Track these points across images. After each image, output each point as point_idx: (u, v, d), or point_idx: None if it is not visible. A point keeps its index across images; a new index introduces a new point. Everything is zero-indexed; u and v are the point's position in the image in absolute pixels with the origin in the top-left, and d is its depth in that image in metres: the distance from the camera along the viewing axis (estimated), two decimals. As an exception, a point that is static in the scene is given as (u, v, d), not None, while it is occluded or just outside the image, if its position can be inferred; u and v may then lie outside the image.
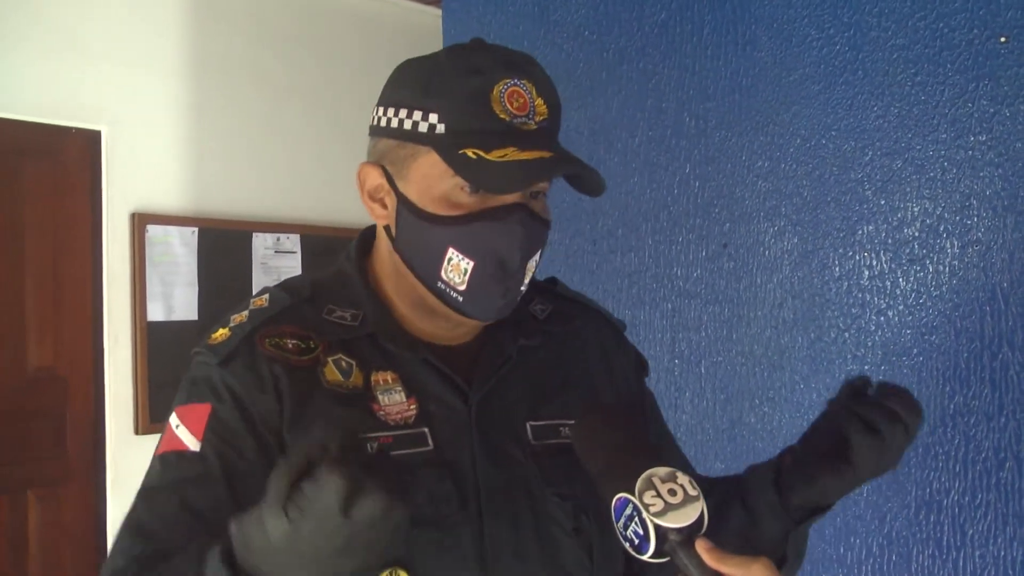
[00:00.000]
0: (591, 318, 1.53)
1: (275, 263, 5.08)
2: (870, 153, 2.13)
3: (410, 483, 1.23)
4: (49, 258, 4.40)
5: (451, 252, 1.25)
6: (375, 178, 1.33)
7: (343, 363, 1.30)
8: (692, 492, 1.07)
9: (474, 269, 1.25)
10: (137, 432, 4.54)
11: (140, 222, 4.60)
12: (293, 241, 5.17)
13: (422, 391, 1.31)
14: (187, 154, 4.83)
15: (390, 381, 1.30)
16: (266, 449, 1.23)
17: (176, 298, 4.73)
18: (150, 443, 4.35)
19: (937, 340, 2.01)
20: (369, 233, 1.44)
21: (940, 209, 2.02)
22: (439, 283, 1.28)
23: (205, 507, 1.20)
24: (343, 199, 5.26)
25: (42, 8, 4.32)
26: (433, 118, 1.26)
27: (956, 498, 1.97)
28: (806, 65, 2.23)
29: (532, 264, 1.31)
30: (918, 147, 2.06)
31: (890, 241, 2.09)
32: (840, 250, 2.17)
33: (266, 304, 1.34)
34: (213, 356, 1.28)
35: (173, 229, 4.73)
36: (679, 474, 1.08)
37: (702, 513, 1.06)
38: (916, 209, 2.06)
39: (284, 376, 1.26)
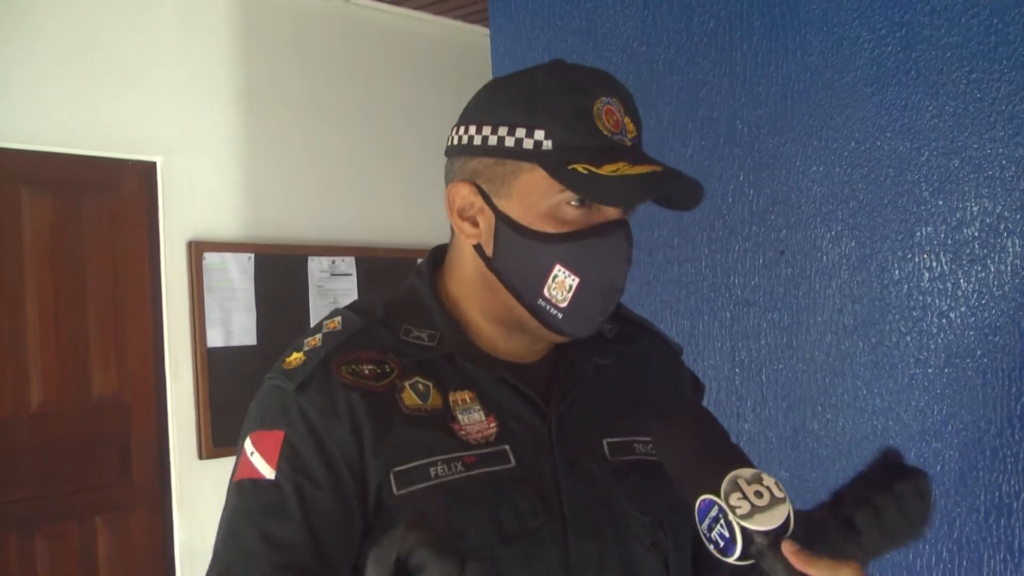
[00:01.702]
0: (653, 340, 1.54)
1: (331, 286, 5.12)
2: (926, 153, 2.11)
3: (497, 500, 1.24)
4: (110, 288, 4.47)
5: (557, 269, 1.26)
6: (467, 196, 1.32)
7: (420, 386, 1.30)
8: (778, 494, 1.06)
9: (579, 286, 1.26)
10: (201, 456, 4.58)
11: (197, 250, 4.66)
12: (348, 263, 5.20)
13: (500, 409, 1.31)
14: (240, 181, 4.89)
15: (468, 400, 1.31)
16: (338, 477, 1.23)
17: (234, 323, 4.78)
18: (214, 467, 4.43)
19: (1001, 341, 1.98)
20: (440, 252, 1.45)
21: (1000, 208, 2.00)
22: (540, 301, 1.28)
23: (283, 537, 1.21)
24: (396, 220, 5.30)
25: (95, 43, 4.39)
26: (539, 135, 1.26)
27: (1027, 501, 1.94)
28: (858, 67, 2.21)
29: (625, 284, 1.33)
30: (975, 146, 2.04)
31: (950, 242, 2.07)
32: (899, 253, 2.15)
33: (339, 327, 1.34)
34: (289, 382, 1.28)
35: (229, 256, 4.79)
36: (764, 475, 1.08)
37: (789, 515, 1.05)
38: (975, 208, 2.04)
39: (362, 403, 1.25)
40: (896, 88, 2.15)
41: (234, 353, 4.74)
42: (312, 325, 1.39)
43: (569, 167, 1.23)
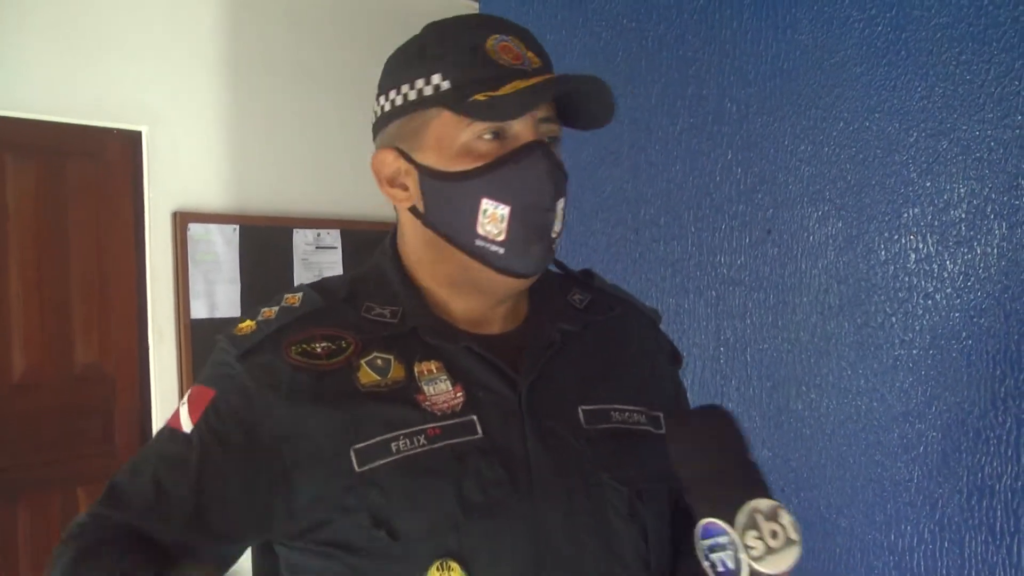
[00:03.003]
0: (628, 309, 1.53)
1: (316, 259, 5.10)
2: (915, 134, 2.10)
3: (461, 472, 1.22)
4: (93, 258, 4.44)
5: (485, 203, 1.25)
6: (390, 162, 1.34)
7: (379, 361, 1.28)
8: (793, 536, 1.04)
9: (511, 214, 1.25)
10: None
11: (182, 221, 4.63)
12: (334, 236, 5.18)
13: (468, 379, 1.29)
14: (227, 152, 4.86)
15: (435, 371, 1.29)
16: (255, 449, 1.23)
17: (218, 295, 4.76)
18: (197, 439, 4.28)
19: (986, 323, 1.98)
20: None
21: (987, 190, 2.00)
22: (477, 241, 1.27)
23: (171, 488, 1.22)
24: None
25: (80, 10, 4.35)
26: (436, 79, 1.28)
27: (1009, 483, 1.94)
28: (848, 47, 2.20)
29: (561, 208, 1.30)
30: (964, 127, 2.03)
31: (936, 223, 2.07)
32: (886, 234, 2.15)
33: (297, 304, 1.33)
34: (233, 348, 1.28)
35: (214, 227, 4.76)
36: (781, 511, 1.05)
37: (798, 556, 1.03)
38: (962, 190, 2.03)
39: (311, 385, 1.24)
40: (885, 68, 2.15)
41: (218, 325, 4.71)
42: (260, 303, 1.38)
43: (470, 99, 1.24)
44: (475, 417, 1.27)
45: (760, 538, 1.03)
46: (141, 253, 4.56)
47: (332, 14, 5.26)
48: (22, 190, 4.23)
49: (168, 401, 4.56)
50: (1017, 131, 1.95)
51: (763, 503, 1.05)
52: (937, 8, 2.07)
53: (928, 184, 2.08)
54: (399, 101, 1.32)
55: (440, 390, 1.27)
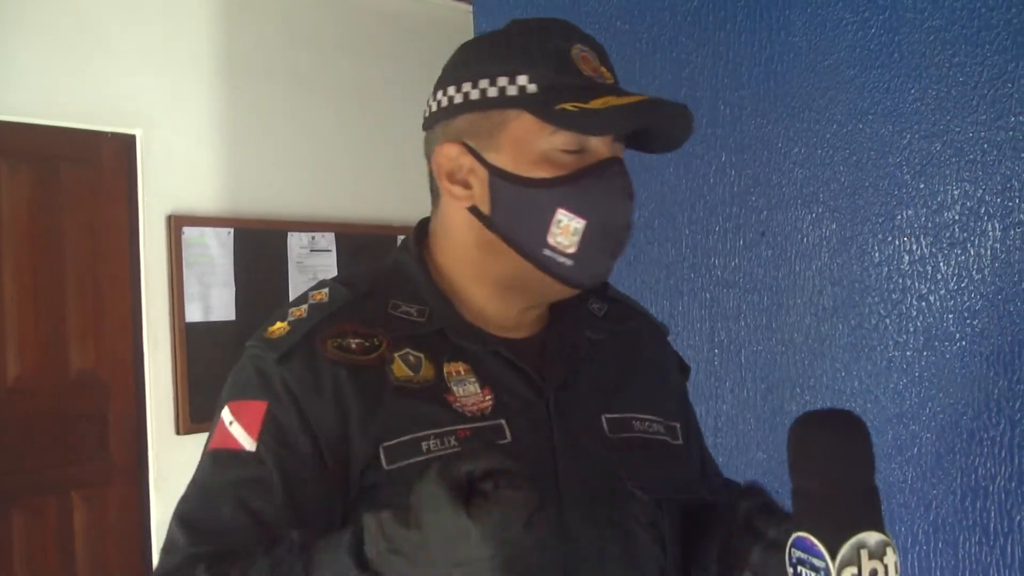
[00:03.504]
0: (641, 319, 1.53)
1: (310, 262, 5.10)
2: (908, 136, 2.11)
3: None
4: (88, 262, 4.44)
5: (560, 214, 1.22)
6: (455, 157, 1.29)
7: (411, 357, 1.26)
8: None
9: (586, 228, 1.22)
10: (178, 432, 4.57)
11: (176, 224, 4.63)
12: (328, 239, 5.18)
13: (495, 383, 1.28)
14: (221, 155, 4.85)
15: (463, 372, 1.27)
16: (320, 453, 1.20)
17: (213, 299, 4.76)
18: (192, 443, 4.41)
19: (980, 324, 1.99)
20: (425, 225, 1.41)
21: (981, 191, 2.00)
22: (545, 250, 1.24)
23: (264, 511, 1.17)
24: (377, 196, 5.28)
25: (74, 14, 4.35)
26: (522, 79, 1.24)
27: (1003, 484, 1.94)
28: (841, 49, 2.20)
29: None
30: (957, 129, 2.03)
31: (930, 225, 2.07)
32: (879, 235, 2.15)
33: (325, 299, 1.31)
34: (271, 351, 1.24)
35: (209, 230, 4.76)
36: (889, 550, 1.00)
37: None
38: (956, 192, 2.03)
39: (348, 379, 1.22)
40: (879, 70, 2.15)
41: (213, 328, 4.72)
42: (292, 298, 1.36)
43: (557, 107, 1.20)
44: (503, 421, 1.25)
45: (859, 574, 0.98)
46: (135, 257, 4.57)
47: (327, 18, 5.27)
48: (16, 194, 4.23)
49: (163, 405, 4.56)
50: (1011, 133, 1.95)
51: (873, 538, 1.00)
52: (930, 11, 2.07)
53: (922, 186, 2.08)
54: (475, 95, 1.26)
55: (469, 392, 1.26)
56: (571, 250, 1.23)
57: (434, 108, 1.33)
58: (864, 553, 0.99)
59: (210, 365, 4.63)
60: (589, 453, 1.29)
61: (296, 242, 5.07)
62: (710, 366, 2.43)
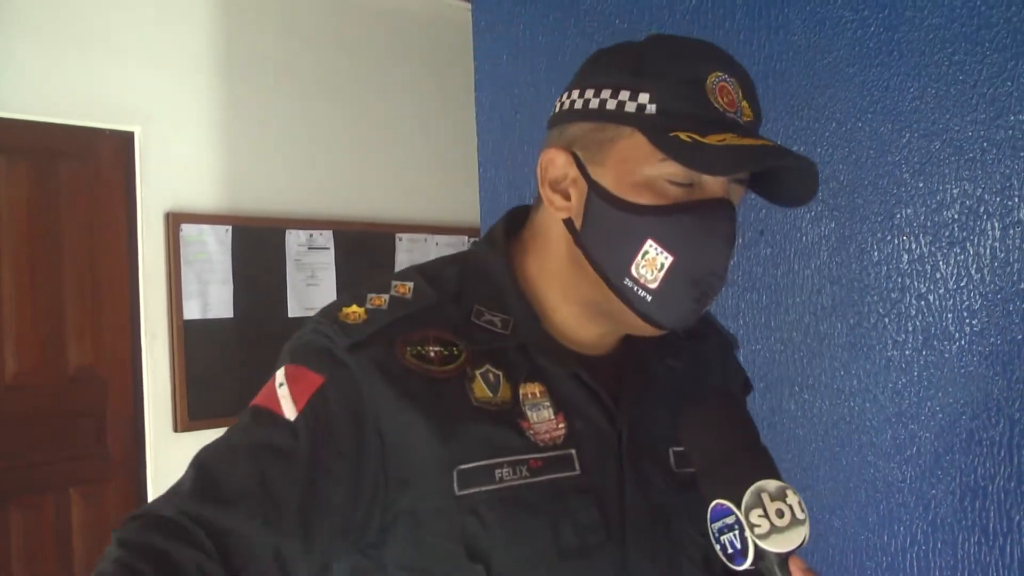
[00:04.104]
0: (717, 335, 1.47)
1: (308, 259, 5.10)
2: (907, 135, 2.10)
3: (559, 512, 1.17)
4: (86, 259, 4.44)
5: (648, 244, 1.14)
6: (562, 165, 1.22)
7: (491, 375, 1.20)
8: (800, 515, 1.03)
9: (672, 265, 1.14)
10: (176, 429, 4.56)
11: (174, 221, 4.63)
12: (326, 237, 5.18)
13: (569, 407, 1.23)
14: (219, 153, 4.85)
15: (538, 395, 1.22)
16: (363, 452, 1.13)
17: (211, 296, 4.76)
18: (189, 440, 4.42)
19: (979, 324, 1.98)
20: (518, 218, 1.35)
21: (980, 190, 1.99)
22: (626, 280, 1.17)
23: (277, 483, 1.09)
24: (375, 194, 5.28)
25: (72, 10, 4.34)
26: (643, 98, 1.16)
27: (1002, 484, 1.94)
28: (840, 47, 2.20)
29: (726, 279, 1.21)
30: (956, 128, 2.03)
31: (929, 224, 2.07)
32: (878, 234, 2.14)
33: (410, 295, 1.23)
34: (343, 336, 1.16)
35: (207, 228, 4.76)
36: (789, 491, 1.04)
37: (805, 536, 1.02)
38: (955, 191, 2.03)
39: (425, 391, 1.16)
40: (878, 69, 2.14)
41: (211, 326, 4.72)
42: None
43: (672, 134, 1.12)
44: (574, 452, 1.20)
45: (765, 516, 1.02)
46: (134, 254, 4.57)
47: (326, 16, 5.26)
48: (14, 191, 4.23)
49: (161, 402, 4.56)
50: (1010, 132, 1.95)
51: (770, 484, 1.04)
52: (930, 9, 2.07)
53: (921, 185, 2.08)
54: (594, 104, 1.19)
55: (543, 418, 1.21)
56: (652, 285, 1.16)
57: (557, 109, 1.26)
58: (765, 496, 1.03)
59: (208, 362, 4.63)
60: (655, 489, 1.25)
61: (294, 240, 5.07)
62: (709, 365, 2.42)
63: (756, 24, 2.35)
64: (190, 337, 4.66)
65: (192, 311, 4.69)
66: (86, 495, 4.38)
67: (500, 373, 1.21)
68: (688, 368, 1.36)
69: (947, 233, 2.04)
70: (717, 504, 1.05)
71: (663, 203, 1.14)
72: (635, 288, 1.17)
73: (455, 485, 1.14)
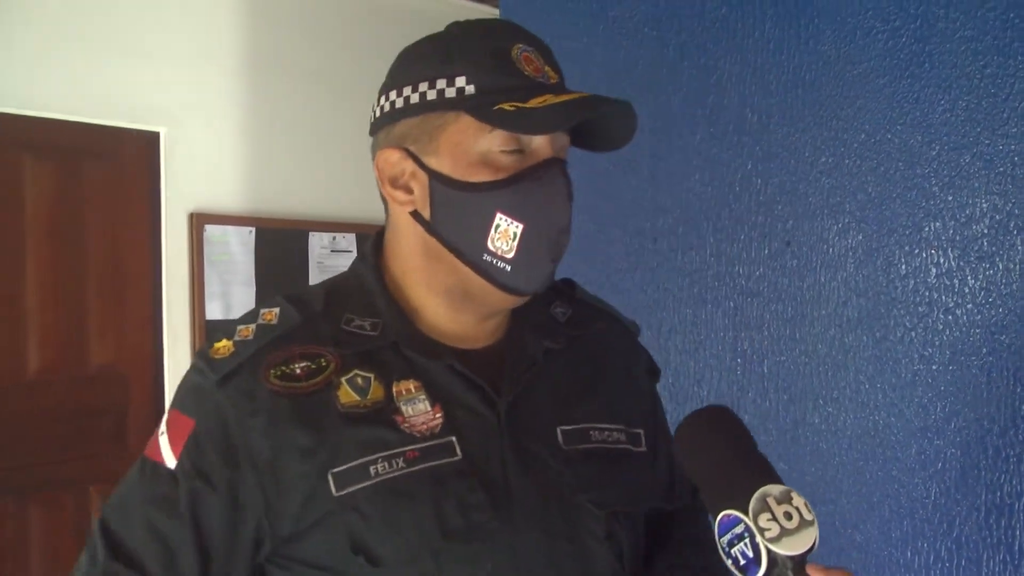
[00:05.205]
0: (609, 322, 1.50)
1: (331, 262, 5.11)
2: (937, 148, 2.09)
3: (440, 495, 1.20)
4: (109, 258, 4.45)
5: (499, 218, 1.21)
6: (396, 162, 1.28)
7: (359, 379, 1.24)
8: (807, 516, 1.03)
9: (524, 232, 1.21)
10: (196, 430, 4.57)
11: (198, 222, 4.64)
12: (349, 240, 5.19)
13: (447, 398, 1.26)
14: (244, 155, 4.86)
15: (413, 390, 1.26)
16: (241, 482, 1.19)
17: (234, 297, 4.77)
18: (210, 441, 4.29)
19: (1007, 339, 1.96)
20: (383, 233, 1.40)
21: (1010, 205, 1.97)
22: (485, 256, 1.23)
23: (171, 534, 1.19)
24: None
25: (101, 12, 4.36)
26: (460, 81, 1.23)
27: (1028, 501, 1.92)
28: (871, 58, 2.19)
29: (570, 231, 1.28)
30: (987, 141, 2.01)
31: (958, 238, 2.05)
32: (906, 247, 2.13)
33: (275, 321, 1.29)
34: (211, 372, 1.23)
35: (230, 229, 4.77)
36: (794, 494, 1.04)
37: (816, 538, 1.02)
38: (985, 205, 2.01)
39: (291, 410, 1.20)
40: (908, 80, 2.13)
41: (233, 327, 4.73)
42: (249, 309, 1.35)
43: (495, 108, 1.20)
44: (454, 438, 1.24)
45: (774, 519, 1.02)
46: (157, 254, 4.58)
47: (352, 18, 5.27)
48: (40, 189, 4.24)
49: (181, 402, 4.56)
50: (1041, 146, 1.93)
51: (774, 488, 1.04)
52: (962, 21, 2.05)
53: (950, 198, 2.06)
54: (414, 99, 1.26)
55: (419, 411, 1.24)
56: (510, 255, 1.22)
57: (377, 114, 1.32)
58: (771, 500, 1.03)
59: (229, 363, 4.63)
60: (543, 467, 1.27)
61: (317, 242, 5.07)
62: (732, 375, 2.41)
63: (785, 34, 2.33)
64: (212, 337, 4.67)
65: (214, 312, 4.70)
66: (105, 493, 4.35)
67: (371, 375, 1.25)
68: (574, 351, 1.40)
69: (976, 247, 2.02)
70: (724, 516, 1.05)
71: (502, 176, 1.21)
72: (494, 261, 1.23)
73: (332, 488, 1.18)
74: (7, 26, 4.10)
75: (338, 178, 5.16)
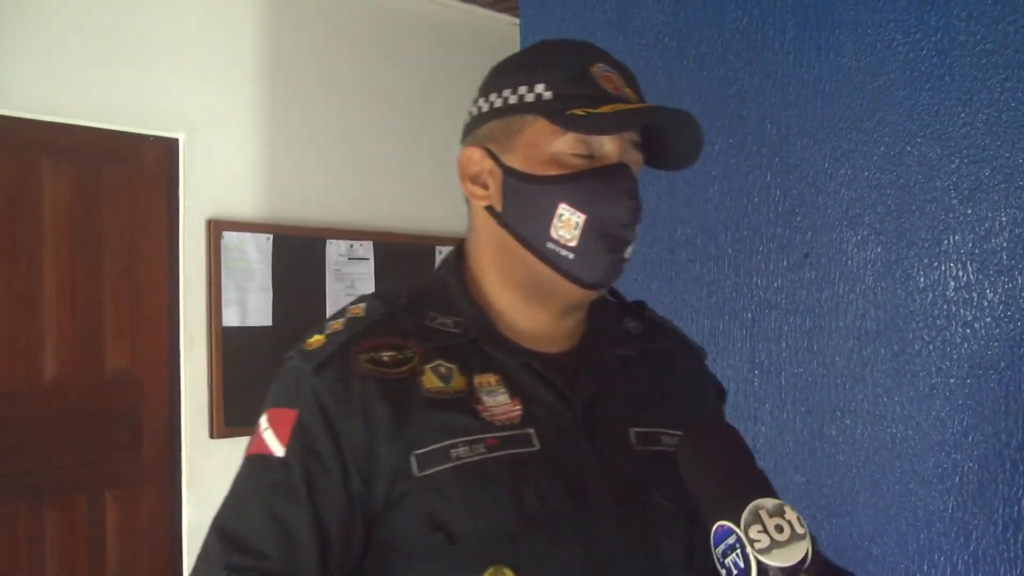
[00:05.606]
0: (676, 340, 1.55)
1: (348, 270, 5.11)
2: (957, 160, 2.08)
3: (519, 481, 1.24)
4: (127, 263, 4.47)
5: (562, 208, 1.28)
6: (477, 160, 1.36)
7: (442, 368, 1.30)
8: (799, 530, 1.04)
9: (586, 222, 1.27)
10: (212, 436, 4.57)
11: (216, 229, 4.66)
12: (366, 248, 5.19)
13: (525, 394, 1.31)
14: (262, 162, 4.88)
15: (493, 383, 1.31)
16: (345, 462, 1.24)
17: (251, 304, 4.77)
18: (225, 447, 4.43)
19: (1026, 353, 1.96)
20: (464, 241, 1.46)
21: (1030, 218, 1.97)
22: (549, 243, 1.29)
23: (289, 517, 1.23)
24: (416, 206, 5.29)
25: (120, 17, 4.39)
26: (539, 87, 1.31)
27: (1046, 516, 1.91)
28: (891, 71, 2.19)
29: (636, 231, 1.33)
30: (1006, 154, 2.01)
31: (977, 251, 2.04)
32: (925, 260, 2.12)
33: (362, 313, 1.35)
34: (307, 362, 1.29)
35: (248, 236, 4.78)
36: (787, 508, 1.06)
37: (807, 552, 1.04)
38: (1004, 218, 2.01)
39: (378, 392, 1.26)
40: (928, 93, 2.13)
41: (249, 333, 4.73)
42: (331, 309, 1.39)
43: (568, 112, 1.27)
44: (532, 430, 1.29)
45: (765, 532, 1.04)
46: (174, 260, 4.59)
47: (371, 26, 5.28)
48: (58, 194, 4.26)
49: (198, 408, 4.57)
50: (1062, 160, 1.93)
51: (767, 501, 1.07)
52: (983, 34, 2.05)
53: (969, 211, 2.06)
54: (498, 104, 1.35)
55: (499, 402, 1.30)
56: (572, 243, 1.29)
57: (467, 120, 1.41)
58: (763, 512, 1.05)
59: (246, 370, 4.64)
60: (616, 463, 1.31)
61: (334, 250, 5.08)
62: (749, 387, 2.41)
63: (806, 45, 2.34)
64: (228, 344, 4.67)
65: (231, 318, 4.70)
66: (120, 498, 4.40)
67: (453, 367, 1.31)
68: (645, 361, 1.46)
69: (995, 261, 2.02)
70: (718, 527, 1.07)
71: (568, 172, 1.29)
72: (558, 249, 1.29)
73: (414, 468, 1.23)
74: (29, 33, 4.13)
75: (356, 186, 5.17)
